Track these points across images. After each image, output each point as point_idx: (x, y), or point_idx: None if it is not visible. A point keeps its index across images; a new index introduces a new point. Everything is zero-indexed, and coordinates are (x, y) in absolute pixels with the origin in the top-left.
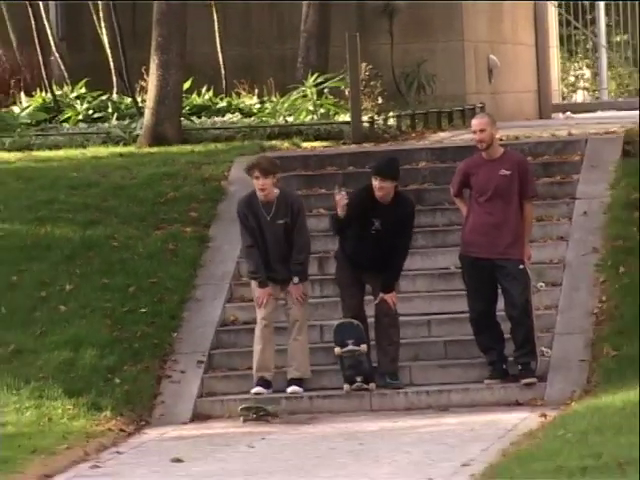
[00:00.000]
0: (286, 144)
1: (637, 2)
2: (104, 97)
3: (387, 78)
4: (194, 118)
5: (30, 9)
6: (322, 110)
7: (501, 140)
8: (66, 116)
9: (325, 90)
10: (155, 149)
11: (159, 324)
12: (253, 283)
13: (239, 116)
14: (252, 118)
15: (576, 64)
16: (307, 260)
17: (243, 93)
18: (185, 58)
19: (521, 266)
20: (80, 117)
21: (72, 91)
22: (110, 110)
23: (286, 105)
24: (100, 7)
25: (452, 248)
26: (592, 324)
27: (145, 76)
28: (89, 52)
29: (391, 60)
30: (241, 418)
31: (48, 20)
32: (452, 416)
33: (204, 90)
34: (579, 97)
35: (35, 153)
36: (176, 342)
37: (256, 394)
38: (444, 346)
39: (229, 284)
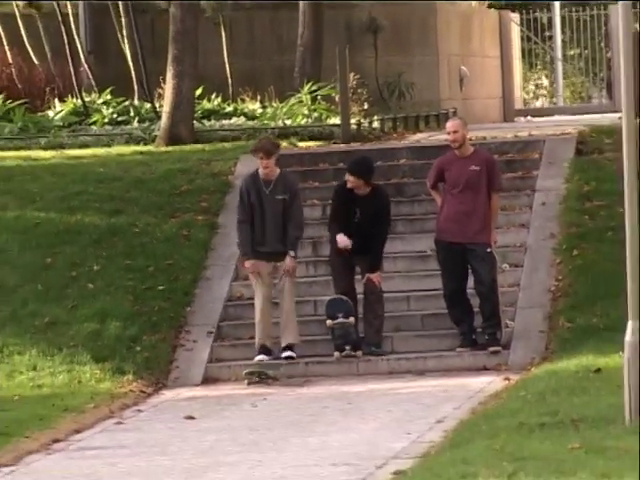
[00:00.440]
0: (284, 143)
1: (589, 19)
2: (127, 103)
3: (372, 86)
4: (205, 121)
5: (62, 26)
6: (316, 114)
7: (471, 140)
8: (94, 119)
9: (318, 97)
10: (171, 148)
11: (174, 300)
12: (246, 263)
13: (244, 119)
14: (255, 121)
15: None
16: (300, 238)
17: (247, 99)
18: (197, 69)
19: (488, 249)
20: (106, 120)
21: (99, 97)
22: (132, 114)
23: (284, 110)
24: (123, 24)
25: (428, 234)
26: (549, 300)
27: (162, 84)
28: (114, 64)
29: (375, 71)
30: (245, 381)
31: (78, 36)
32: (428, 379)
33: (213, 96)
34: (538, 103)
35: (67, 151)
36: (189, 315)
37: (259, 361)
38: (421, 319)
39: (235, 265)
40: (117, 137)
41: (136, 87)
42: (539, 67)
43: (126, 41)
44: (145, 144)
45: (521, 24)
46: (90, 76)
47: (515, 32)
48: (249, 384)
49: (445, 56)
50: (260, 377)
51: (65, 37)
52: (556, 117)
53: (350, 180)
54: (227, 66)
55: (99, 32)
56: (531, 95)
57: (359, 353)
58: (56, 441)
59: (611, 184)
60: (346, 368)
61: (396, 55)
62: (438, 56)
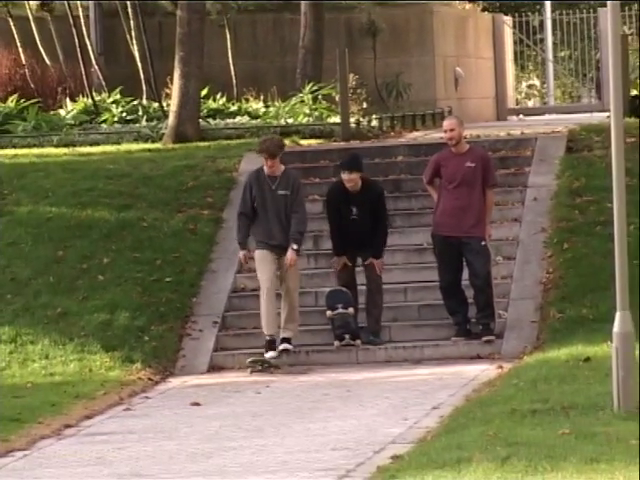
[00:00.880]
0: (287, 141)
1: (579, 22)
2: (135, 102)
3: (371, 87)
4: (210, 120)
5: (74, 29)
6: (317, 113)
7: (466, 138)
8: (104, 118)
9: (319, 96)
10: (178, 146)
11: (181, 291)
12: (256, 254)
13: (247, 118)
14: (258, 120)
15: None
16: (304, 232)
17: (251, 99)
18: (203, 70)
19: (483, 243)
20: (115, 119)
21: (109, 97)
22: (140, 113)
23: (287, 109)
24: (132, 27)
25: (425, 228)
26: (541, 291)
27: (170, 85)
28: (123, 65)
29: (374, 72)
30: (249, 369)
31: (89, 38)
32: (424, 368)
33: (218, 96)
34: (530, 103)
35: (78, 149)
36: (195, 306)
37: (270, 358)
38: (418, 310)
39: (239, 258)
40: (126, 135)
41: (144, 87)
42: (531, 68)
43: (135, 43)
44: (153, 142)
45: (514, 27)
46: (100, 76)
47: (508, 34)
48: (252, 372)
49: (441, 57)
50: (263, 365)
51: (76, 39)
52: (547, 116)
53: (349, 178)
54: (232, 67)
55: (109, 34)
56: (523, 95)
57: (358, 342)
58: (67, 427)
59: (600, 180)
60: (346, 357)
61: (394, 57)
62: (434, 57)
